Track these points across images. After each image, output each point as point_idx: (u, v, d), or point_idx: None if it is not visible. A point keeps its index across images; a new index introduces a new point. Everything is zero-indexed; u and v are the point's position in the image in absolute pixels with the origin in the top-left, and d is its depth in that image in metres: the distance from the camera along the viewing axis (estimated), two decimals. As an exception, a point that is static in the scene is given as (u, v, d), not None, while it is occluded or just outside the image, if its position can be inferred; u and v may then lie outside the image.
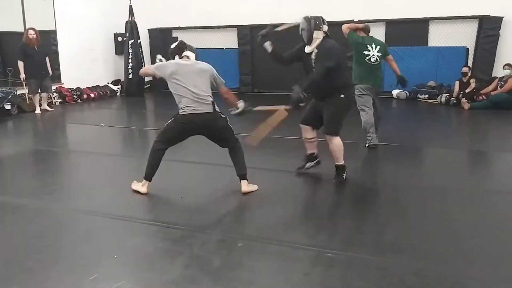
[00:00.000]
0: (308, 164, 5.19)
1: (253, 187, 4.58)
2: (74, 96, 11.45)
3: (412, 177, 5.04)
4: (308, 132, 5.09)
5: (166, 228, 3.66)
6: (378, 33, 11.28)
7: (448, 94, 9.89)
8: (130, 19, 12.34)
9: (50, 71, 9.97)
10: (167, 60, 4.64)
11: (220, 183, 4.93)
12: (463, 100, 9.37)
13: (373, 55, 6.24)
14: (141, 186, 4.55)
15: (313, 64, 4.68)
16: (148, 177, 4.57)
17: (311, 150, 5.17)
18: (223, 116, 4.58)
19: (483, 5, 10.13)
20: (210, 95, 4.53)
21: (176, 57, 4.56)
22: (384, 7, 10.93)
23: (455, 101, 9.60)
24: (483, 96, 9.38)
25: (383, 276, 2.88)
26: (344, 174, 4.88)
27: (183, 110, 4.42)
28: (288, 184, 5.01)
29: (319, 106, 4.81)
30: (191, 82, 4.41)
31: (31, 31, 9.58)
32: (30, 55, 9.48)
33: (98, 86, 12.30)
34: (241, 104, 4.71)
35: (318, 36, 4.67)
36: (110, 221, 3.87)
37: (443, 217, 3.86)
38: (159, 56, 4.89)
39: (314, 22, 4.66)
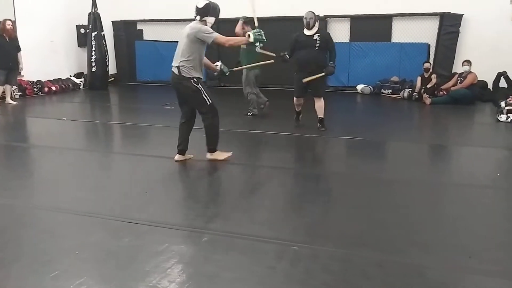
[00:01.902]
0: (300, 117, 7.32)
1: (219, 156, 5.15)
2: (35, 89, 11.13)
3: (376, 171, 5.14)
4: (300, 101, 7.09)
5: (129, 223, 3.60)
6: (343, 28, 11.45)
7: (410, 89, 10.13)
8: (93, 11, 12.08)
9: (22, 66, 9.99)
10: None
11: (184, 177, 4.90)
12: (425, 95, 9.60)
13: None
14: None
15: (317, 43, 6.58)
16: (180, 151, 5.16)
17: (299, 109, 7.27)
18: (193, 83, 4.90)
19: (444, 3, 10.41)
20: (184, 59, 4.84)
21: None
22: (349, 3, 11.07)
23: (417, 96, 9.84)
24: (444, 92, 9.65)
25: (347, 268, 2.93)
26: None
27: None
28: (253, 178, 5.04)
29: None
30: (178, 44, 4.95)
31: (9, 22, 9.67)
32: (1, 45, 9.44)
33: (60, 79, 12.00)
34: (218, 64, 5.45)
35: (316, 25, 6.72)
36: (72, 217, 3.78)
37: (405, 209, 3.95)
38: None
39: (316, 16, 6.74)
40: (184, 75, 4.86)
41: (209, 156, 5.16)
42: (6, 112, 9.07)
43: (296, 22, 10.85)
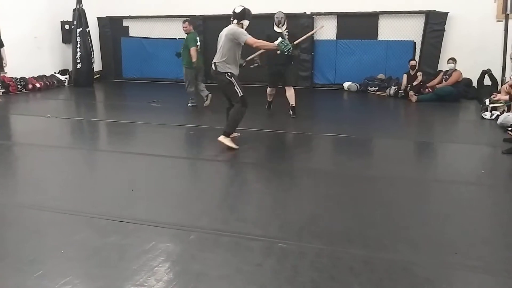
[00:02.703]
0: (271, 106, 8.19)
1: (228, 142, 5.62)
2: (18, 86, 10.97)
3: (362, 168, 5.17)
4: (272, 91, 7.98)
5: (115, 222, 3.57)
6: (330, 26, 11.48)
7: (396, 87, 10.19)
8: (78, 7, 11.93)
9: (6, 62, 9.92)
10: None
11: (171, 175, 4.87)
12: (411, 92, 9.68)
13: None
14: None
15: (286, 38, 6.77)
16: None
17: (270, 99, 8.12)
18: (227, 77, 5.69)
19: (430, 1, 10.49)
20: (220, 56, 5.72)
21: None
22: (336, 0, 11.08)
23: (403, 94, 9.90)
24: (429, 89, 9.73)
25: (334, 265, 2.94)
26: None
27: None
28: (240, 175, 5.04)
29: (278, 73, 7.48)
30: (218, 43, 5.82)
31: None
32: None
33: (44, 75, 11.84)
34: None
35: (285, 24, 7.54)
36: (57, 216, 3.74)
37: (391, 206, 3.98)
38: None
39: (285, 15, 7.60)
40: (220, 70, 5.69)
41: (221, 138, 5.68)
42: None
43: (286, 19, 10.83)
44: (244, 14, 5.77)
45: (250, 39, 5.61)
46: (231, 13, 5.84)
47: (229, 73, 5.68)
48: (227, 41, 5.66)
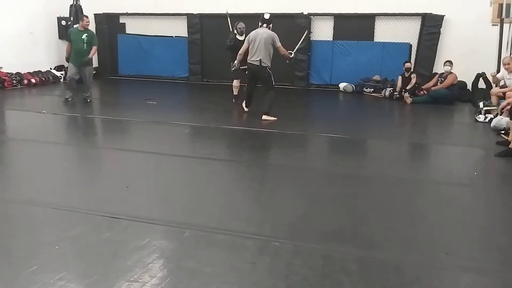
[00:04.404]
0: (237, 99, 9.08)
1: (271, 118, 7.46)
2: (14, 82, 10.92)
3: (356, 168, 5.20)
4: (238, 83, 9.12)
5: (110, 218, 3.59)
6: (327, 27, 11.52)
7: (392, 89, 10.23)
8: (74, 3, 11.90)
9: None
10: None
11: (166, 172, 4.89)
12: (406, 94, 9.72)
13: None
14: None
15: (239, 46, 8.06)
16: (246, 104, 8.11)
17: (236, 92, 9.19)
18: (268, 70, 7.47)
19: (426, 4, 10.53)
20: (263, 54, 7.43)
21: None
22: (332, 1, 11.12)
23: (398, 95, 9.95)
24: (424, 91, 9.78)
25: (327, 263, 2.97)
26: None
27: None
28: (235, 174, 5.05)
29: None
30: (258, 44, 7.46)
31: None
32: None
33: (40, 71, 11.79)
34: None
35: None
36: (51, 211, 3.75)
37: (384, 206, 4.01)
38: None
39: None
40: (263, 65, 7.39)
41: (265, 117, 7.46)
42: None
43: (281, 19, 10.90)
44: (271, 20, 7.58)
45: (281, 45, 7.45)
46: (261, 18, 7.55)
47: (269, 67, 7.47)
48: (268, 43, 7.34)
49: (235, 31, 8.97)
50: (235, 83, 9.16)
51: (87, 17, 9.03)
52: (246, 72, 7.95)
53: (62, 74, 12.34)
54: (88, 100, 9.04)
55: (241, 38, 8.64)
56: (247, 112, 8.06)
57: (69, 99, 8.97)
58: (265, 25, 7.49)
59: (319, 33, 11.58)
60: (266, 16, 7.50)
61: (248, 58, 7.57)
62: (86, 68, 8.91)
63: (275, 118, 7.43)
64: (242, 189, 4.49)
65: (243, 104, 8.16)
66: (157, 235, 3.34)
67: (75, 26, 9.37)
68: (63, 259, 2.98)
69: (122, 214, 3.65)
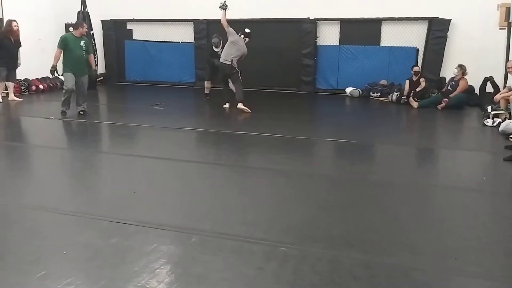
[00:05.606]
0: (207, 97, 10.35)
1: (244, 108, 8.43)
2: (22, 88, 11.01)
3: (363, 173, 5.18)
4: (209, 84, 10.31)
5: (117, 223, 3.59)
6: (333, 31, 11.53)
7: (398, 93, 10.20)
8: (82, 9, 11.98)
9: (20, 62, 10.07)
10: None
11: (173, 177, 4.90)
12: (411, 99, 9.68)
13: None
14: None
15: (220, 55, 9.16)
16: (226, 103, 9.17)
17: (207, 91, 10.34)
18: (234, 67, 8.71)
19: (433, 8, 10.51)
20: (233, 56, 8.73)
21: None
22: (339, 6, 11.12)
23: (405, 100, 9.91)
24: (446, 99, 9.42)
25: (335, 269, 2.95)
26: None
27: None
28: (242, 179, 5.05)
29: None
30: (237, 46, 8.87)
31: (15, 23, 9.75)
32: (5, 46, 9.60)
33: (47, 77, 11.87)
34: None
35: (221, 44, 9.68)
36: (59, 217, 3.76)
37: (392, 211, 3.99)
38: None
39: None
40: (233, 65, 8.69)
41: (240, 106, 8.46)
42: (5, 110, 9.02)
43: (287, 24, 10.90)
44: (251, 34, 8.99)
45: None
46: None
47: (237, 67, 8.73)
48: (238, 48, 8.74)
49: (215, 41, 9.86)
50: (206, 83, 10.30)
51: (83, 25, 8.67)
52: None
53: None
54: (88, 114, 8.35)
55: (217, 50, 9.67)
56: (254, 117, 8.06)
57: (66, 112, 8.29)
58: (244, 38, 8.85)
59: (325, 38, 11.58)
60: (247, 30, 8.94)
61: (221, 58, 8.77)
62: (84, 77, 8.34)
63: (248, 110, 8.44)
64: (248, 194, 4.48)
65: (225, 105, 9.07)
66: (164, 240, 3.34)
67: (69, 32, 8.70)
68: (71, 264, 2.99)
69: (129, 220, 3.65)
